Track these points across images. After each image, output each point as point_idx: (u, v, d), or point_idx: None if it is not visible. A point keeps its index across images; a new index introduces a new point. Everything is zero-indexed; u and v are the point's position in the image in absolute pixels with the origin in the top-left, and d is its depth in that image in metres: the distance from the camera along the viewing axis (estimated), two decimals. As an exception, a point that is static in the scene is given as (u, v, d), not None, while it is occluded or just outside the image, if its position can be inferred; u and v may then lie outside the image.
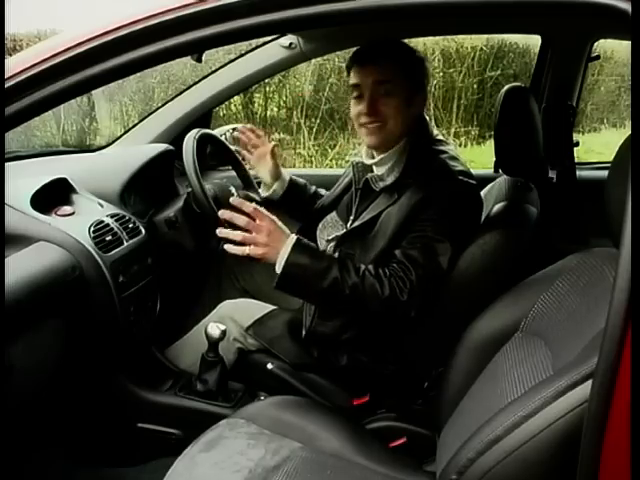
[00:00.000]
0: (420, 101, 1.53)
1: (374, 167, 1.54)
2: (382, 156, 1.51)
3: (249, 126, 1.89)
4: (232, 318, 1.64)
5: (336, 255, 1.53)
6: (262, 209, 1.42)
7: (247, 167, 1.92)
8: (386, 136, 1.49)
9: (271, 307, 1.69)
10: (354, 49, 1.56)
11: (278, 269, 1.38)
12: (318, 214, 1.73)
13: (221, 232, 1.39)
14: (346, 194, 1.67)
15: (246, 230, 1.38)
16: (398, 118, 1.48)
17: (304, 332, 1.58)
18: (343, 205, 1.66)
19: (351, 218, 1.60)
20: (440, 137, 1.59)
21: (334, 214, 1.68)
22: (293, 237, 1.40)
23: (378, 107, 1.47)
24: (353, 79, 1.50)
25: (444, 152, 1.51)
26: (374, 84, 1.47)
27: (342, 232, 1.58)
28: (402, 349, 1.51)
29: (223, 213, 1.40)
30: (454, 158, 1.51)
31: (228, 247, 1.38)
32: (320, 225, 1.69)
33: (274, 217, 1.42)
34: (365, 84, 1.48)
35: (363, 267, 1.40)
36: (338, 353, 1.54)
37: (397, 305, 1.38)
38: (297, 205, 1.84)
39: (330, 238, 1.61)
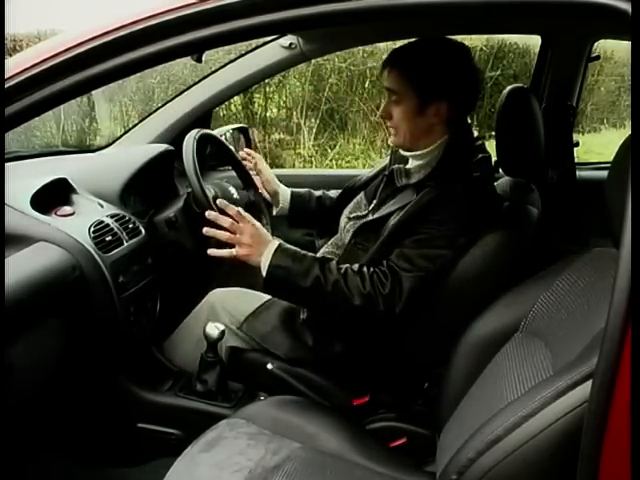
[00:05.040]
0: (441, 109, 1.47)
1: (410, 159, 1.54)
2: (417, 152, 1.52)
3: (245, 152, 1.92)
4: (223, 307, 1.65)
5: (352, 242, 1.56)
6: (245, 213, 1.47)
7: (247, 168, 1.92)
8: (401, 139, 1.52)
9: (262, 295, 1.69)
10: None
11: (263, 271, 1.43)
12: (347, 195, 1.74)
13: (208, 231, 1.45)
14: (377, 178, 1.68)
15: (231, 233, 1.44)
16: (408, 125, 1.49)
17: (302, 317, 1.58)
18: (372, 187, 1.67)
19: (374, 202, 1.60)
20: (479, 142, 1.57)
21: (362, 194, 1.68)
22: (275, 242, 1.46)
23: (390, 112, 1.51)
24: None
25: (473, 157, 1.51)
26: (387, 90, 1.51)
27: (363, 214, 1.59)
28: (402, 349, 1.51)
29: (209, 214, 1.45)
30: (484, 162, 1.51)
31: (212, 252, 1.45)
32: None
33: (256, 222, 1.47)
34: (385, 87, 1.53)
35: (345, 266, 1.43)
36: (333, 340, 1.54)
37: (378, 300, 1.39)
38: (305, 216, 1.85)
39: (351, 216, 1.63)
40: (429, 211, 1.42)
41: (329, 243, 1.69)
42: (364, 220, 1.57)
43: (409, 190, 1.50)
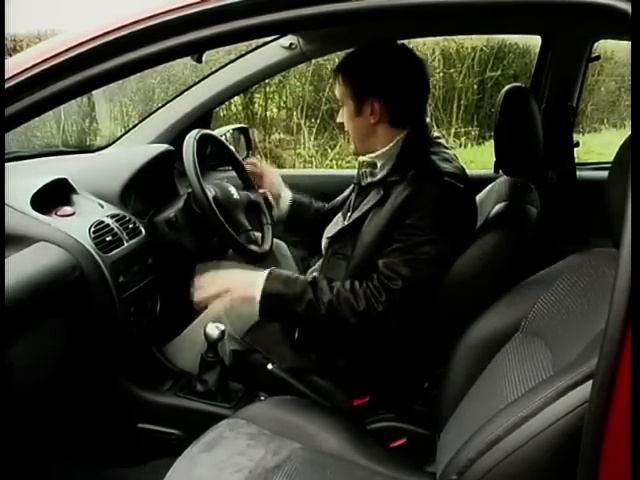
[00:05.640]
0: (375, 107, 1.49)
1: (376, 162, 1.55)
2: (378, 153, 1.53)
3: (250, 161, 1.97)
4: (227, 316, 1.64)
5: (328, 251, 1.57)
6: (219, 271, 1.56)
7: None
8: (354, 143, 1.59)
9: None
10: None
11: (257, 300, 1.44)
12: (328, 217, 1.75)
13: (199, 304, 1.52)
14: (351, 195, 1.70)
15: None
16: (353, 127, 1.55)
17: (296, 335, 1.58)
18: (347, 204, 1.69)
19: (348, 214, 1.61)
20: (440, 140, 1.58)
21: (339, 214, 1.70)
22: (266, 271, 1.48)
23: (342, 116, 1.59)
24: None
25: (436, 153, 1.50)
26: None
27: (338, 228, 1.59)
28: (402, 350, 1.51)
29: (197, 303, 1.51)
30: (446, 160, 1.49)
31: (210, 312, 1.53)
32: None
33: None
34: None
35: (337, 285, 1.43)
36: (336, 355, 1.54)
37: (374, 317, 1.40)
38: (302, 223, 1.86)
39: (329, 235, 1.63)
40: (405, 215, 1.41)
41: (318, 263, 1.69)
42: (338, 229, 1.58)
43: (375, 188, 1.51)
